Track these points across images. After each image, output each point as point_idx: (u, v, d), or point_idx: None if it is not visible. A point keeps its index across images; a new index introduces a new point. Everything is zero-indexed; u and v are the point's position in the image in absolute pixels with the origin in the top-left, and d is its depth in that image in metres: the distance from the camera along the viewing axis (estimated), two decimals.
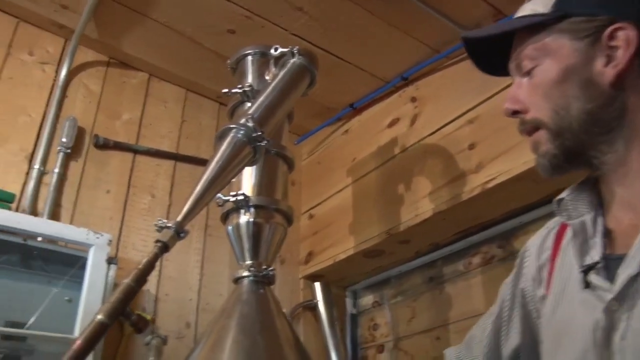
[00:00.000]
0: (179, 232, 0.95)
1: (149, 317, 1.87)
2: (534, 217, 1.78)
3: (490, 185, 1.64)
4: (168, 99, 2.27)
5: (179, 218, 0.96)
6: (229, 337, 1.19)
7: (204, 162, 2.19)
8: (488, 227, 1.88)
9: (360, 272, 2.21)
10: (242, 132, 1.11)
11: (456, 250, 2.01)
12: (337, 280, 2.29)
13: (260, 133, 1.11)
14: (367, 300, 2.35)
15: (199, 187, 1.02)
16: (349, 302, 2.39)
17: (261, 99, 1.23)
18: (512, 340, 0.98)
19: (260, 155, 1.14)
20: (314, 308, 2.22)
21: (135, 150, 2.09)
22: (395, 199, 1.96)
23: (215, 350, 1.17)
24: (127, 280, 0.88)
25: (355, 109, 2.28)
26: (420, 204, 1.86)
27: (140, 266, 0.90)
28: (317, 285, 2.20)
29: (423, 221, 1.84)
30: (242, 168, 1.14)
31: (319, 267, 2.21)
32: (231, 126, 1.13)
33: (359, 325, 2.35)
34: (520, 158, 1.57)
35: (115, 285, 1.72)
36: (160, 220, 0.97)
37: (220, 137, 1.16)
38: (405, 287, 2.19)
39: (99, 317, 0.84)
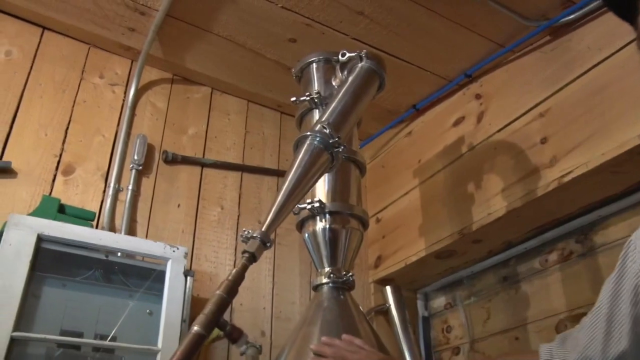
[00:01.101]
0: (265, 241, 0.95)
1: None
2: (615, 210, 1.71)
3: (567, 179, 1.59)
4: (230, 111, 2.31)
5: (264, 228, 0.97)
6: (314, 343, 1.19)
7: (269, 172, 2.23)
8: (564, 222, 1.81)
9: (432, 273, 2.18)
10: (318, 139, 1.11)
11: (530, 247, 1.96)
12: (407, 283, 2.27)
13: (337, 139, 1.11)
14: (439, 302, 2.32)
15: (280, 197, 1.02)
16: (420, 304, 2.36)
17: (334, 104, 1.23)
18: (620, 343, 0.88)
19: (337, 161, 1.14)
20: (386, 312, 2.20)
21: (202, 164, 2.13)
22: (465, 198, 1.92)
23: (300, 357, 1.17)
24: (219, 292, 0.89)
25: (418, 110, 2.26)
26: (493, 202, 1.82)
27: (230, 277, 0.92)
28: (388, 289, 2.17)
29: (496, 219, 1.80)
30: (321, 175, 1.14)
31: (389, 270, 2.19)
32: (307, 134, 1.13)
33: (431, 328, 2.32)
34: (597, 149, 1.51)
35: (193, 297, 1.76)
36: (245, 231, 0.99)
37: (297, 145, 1.17)
38: (478, 288, 2.14)
39: (196, 328, 0.85)
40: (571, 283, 1.81)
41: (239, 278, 0.91)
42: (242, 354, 0.88)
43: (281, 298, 2.07)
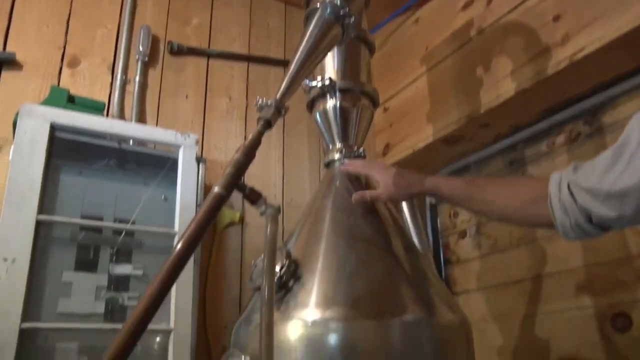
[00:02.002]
0: (280, 108, 0.97)
1: (238, 213, 1.97)
2: (625, 88, 1.70)
3: (579, 56, 1.57)
4: (234, 1, 2.25)
5: (278, 96, 0.98)
6: (327, 215, 1.24)
7: (277, 63, 2.21)
8: (573, 103, 1.81)
9: (440, 160, 2.21)
10: (328, 9, 1.10)
11: (538, 131, 1.97)
12: (415, 170, 2.29)
13: (347, 9, 1.09)
14: None
15: (293, 66, 1.03)
16: None
17: None
18: (632, 178, 0.84)
19: (348, 33, 1.13)
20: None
21: (208, 55, 2.11)
22: (474, 82, 1.91)
23: (316, 227, 1.22)
24: (237, 156, 0.92)
25: None
26: (502, 84, 1.81)
27: (246, 142, 0.93)
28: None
29: (505, 102, 1.80)
30: (332, 46, 1.13)
31: (397, 157, 2.22)
32: (317, 6, 1.11)
33: (439, 214, 2.38)
34: (612, 24, 1.48)
35: (205, 185, 1.80)
36: (259, 99, 0.99)
37: (307, 18, 1.15)
38: (485, 173, 2.18)
39: (216, 189, 0.88)
40: None
41: (256, 142, 0.93)
42: (261, 214, 0.92)
43: (291, 186, 2.12)
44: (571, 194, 0.94)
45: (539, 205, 1.00)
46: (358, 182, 1.33)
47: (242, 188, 0.92)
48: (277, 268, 1.09)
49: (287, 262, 1.10)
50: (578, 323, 1.71)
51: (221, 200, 0.88)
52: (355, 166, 1.32)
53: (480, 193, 1.13)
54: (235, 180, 0.90)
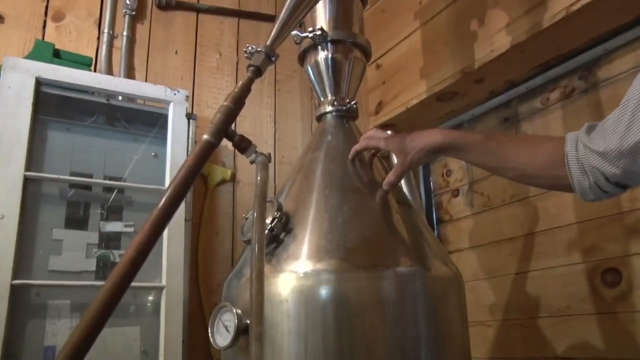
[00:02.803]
0: (270, 55, 0.94)
1: (229, 171, 1.95)
2: (622, 42, 1.67)
3: (576, 7, 1.53)
4: None
5: (268, 42, 0.95)
6: (319, 167, 1.22)
7: (267, 18, 2.16)
8: (569, 58, 1.78)
9: (433, 117, 2.19)
10: None
11: (533, 87, 1.94)
12: (408, 129, 2.28)
13: None
14: None
15: (283, 12, 1.00)
16: None
17: None
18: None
19: None
20: (387, 157, 2.23)
21: (197, 9, 2.06)
22: (468, 37, 1.88)
23: (307, 179, 1.20)
24: (225, 103, 0.89)
25: None
26: (496, 38, 1.77)
27: (236, 89, 0.91)
28: (389, 133, 2.19)
29: (499, 56, 1.76)
30: None
31: (390, 115, 2.20)
32: None
33: (431, 173, 2.37)
34: None
35: (196, 142, 1.77)
36: (249, 46, 0.97)
37: None
38: (479, 130, 2.16)
39: (205, 136, 0.86)
40: (572, 120, 1.81)
41: (245, 89, 0.91)
42: (252, 162, 0.90)
43: (283, 143, 2.10)
44: (589, 153, 0.92)
45: (558, 167, 0.97)
46: (351, 134, 1.31)
47: (231, 136, 0.90)
48: (268, 221, 1.08)
49: (278, 214, 1.09)
50: (568, 279, 1.72)
51: (210, 147, 0.86)
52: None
53: (499, 150, 1.06)
54: (225, 128, 0.88)
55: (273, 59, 0.95)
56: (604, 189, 0.93)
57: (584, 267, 1.69)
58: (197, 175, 0.83)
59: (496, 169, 1.10)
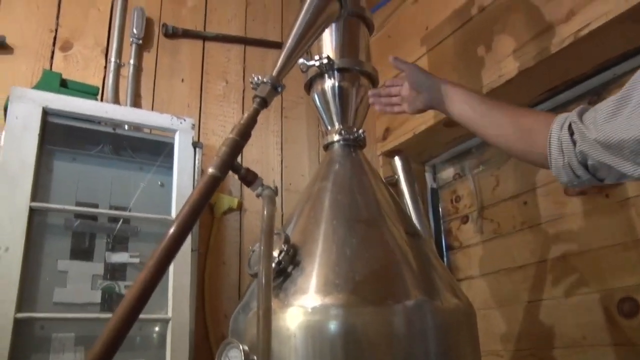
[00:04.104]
0: (276, 86, 0.93)
1: (236, 199, 1.94)
2: (631, 66, 1.65)
3: (584, 32, 1.52)
4: None
5: (274, 73, 0.94)
6: (327, 198, 1.20)
7: (273, 45, 2.17)
8: (578, 82, 1.77)
9: (441, 143, 2.17)
10: None
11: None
12: (416, 155, 2.27)
13: None
14: (448, 173, 2.33)
15: (289, 42, 0.99)
16: (428, 176, 2.38)
17: None
18: None
19: (346, 8, 1.08)
20: (395, 184, 2.21)
21: (204, 37, 2.07)
22: (475, 62, 1.87)
23: (315, 210, 1.18)
24: (231, 135, 0.88)
25: None
26: (504, 63, 1.76)
27: (242, 121, 0.90)
28: (397, 159, 2.15)
29: (507, 82, 1.75)
30: (330, 22, 1.09)
31: (398, 141, 2.19)
32: None
33: (440, 199, 2.35)
34: None
35: (203, 171, 1.76)
36: (255, 76, 0.95)
37: None
38: (487, 156, 2.14)
39: (211, 170, 0.84)
40: None
41: (251, 122, 0.89)
42: (258, 195, 0.88)
43: (290, 170, 2.09)
44: (571, 135, 0.94)
45: (539, 136, 1.01)
46: (359, 164, 1.29)
47: (237, 169, 0.88)
48: (276, 254, 1.06)
49: (285, 247, 1.06)
50: (583, 308, 1.68)
51: (216, 181, 0.84)
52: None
53: (490, 113, 1.15)
54: (231, 161, 0.86)
55: (279, 89, 0.94)
56: (576, 172, 0.95)
57: (599, 296, 1.65)
58: (202, 210, 0.81)
59: (483, 134, 1.19)
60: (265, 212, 0.86)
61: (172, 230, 0.77)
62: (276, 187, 0.87)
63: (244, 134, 0.88)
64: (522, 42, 1.71)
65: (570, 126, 0.94)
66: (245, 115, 0.90)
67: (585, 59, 1.65)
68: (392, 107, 1.44)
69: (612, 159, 0.86)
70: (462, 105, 1.23)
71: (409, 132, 2.12)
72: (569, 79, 1.76)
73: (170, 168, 1.69)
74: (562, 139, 0.95)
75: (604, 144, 0.86)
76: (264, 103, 0.92)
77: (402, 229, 1.21)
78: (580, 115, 0.94)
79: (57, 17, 1.82)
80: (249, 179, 0.89)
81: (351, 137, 1.30)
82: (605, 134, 0.85)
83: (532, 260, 1.89)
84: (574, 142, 0.93)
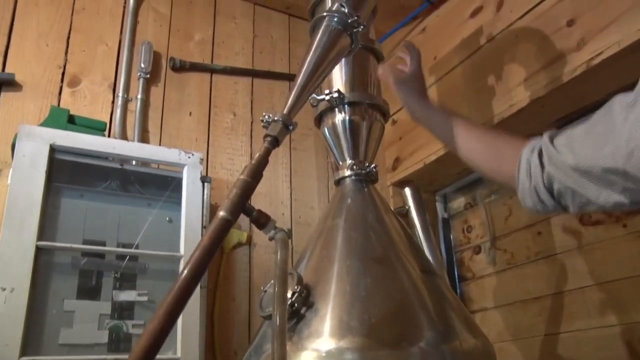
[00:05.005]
0: (287, 124, 0.90)
1: (245, 233, 1.91)
2: None
3: (596, 61, 1.50)
4: (237, 14, 2.21)
5: (285, 111, 0.92)
6: (339, 236, 1.17)
7: (281, 77, 2.16)
8: (591, 110, 1.73)
9: (451, 173, 2.14)
10: (336, 19, 1.04)
11: None
12: (426, 185, 2.24)
13: (355, 18, 1.03)
14: (459, 203, 2.30)
15: (300, 79, 0.97)
16: (439, 206, 2.34)
17: None
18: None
19: (357, 43, 1.07)
20: (405, 214, 2.18)
21: (212, 70, 2.06)
22: (485, 92, 1.85)
23: (328, 249, 1.15)
24: (242, 176, 0.85)
25: (433, 4, 2.15)
26: (515, 92, 1.75)
27: (253, 161, 0.87)
28: (407, 190, 2.13)
29: (518, 111, 1.73)
30: (341, 58, 1.07)
31: (408, 172, 2.16)
32: (324, 14, 1.05)
33: (451, 229, 2.31)
34: (632, 25, 1.41)
35: (211, 205, 1.74)
36: (266, 114, 0.94)
37: (314, 29, 1.09)
38: (498, 185, 2.10)
39: (222, 213, 0.82)
40: None
41: (262, 162, 0.87)
42: (270, 239, 0.85)
43: (300, 203, 2.06)
44: (540, 158, 0.94)
45: (510, 158, 1.01)
46: (371, 199, 1.27)
47: (249, 211, 0.86)
48: (288, 295, 1.02)
49: (298, 287, 1.03)
50: (604, 342, 1.63)
51: (227, 226, 0.82)
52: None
53: (462, 137, 1.17)
54: (242, 203, 0.84)
55: (291, 127, 0.91)
56: (540, 196, 0.94)
57: (620, 330, 1.60)
58: (213, 256, 0.78)
59: (450, 147, 1.22)
60: (278, 257, 0.83)
61: (182, 277, 0.74)
62: (289, 230, 0.84)
63: (256, 174, 0.86)
64: (533, 71, 1.70)
65: (540, 149, 0.95)
66: (257, 155, 0.88)
67: (597, 88, 1.63)
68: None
69: (578, 182, 0.86)
70: (437, 113, 1.28)
71: (419, 162, 2.10)
72: (581, 107, 1.73)
73: (178, 203, 1.67)
74: (531, 161, 0.96)
75: (573, 167, 0.86)
76: (275, 142, 0.89)
77: (416, 266, 1.18)
78: (552, 138, 0.94)
79: (66, 53, 1.82)
80: (262, 221, 0.86)
81: (363, 172, 1.27)
82: (576, 158, 0.85)
83: (548, 291, 1.84)
84: (542, 165, 0.93)
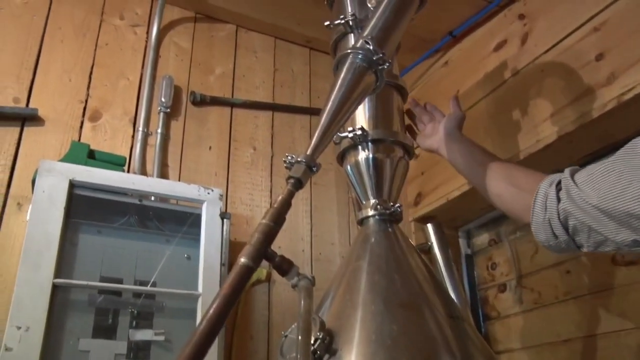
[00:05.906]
0: (311, 166, 0.87)
1: (264, 270, 1.87)
2: None
3: (627, 97, 1.46)
4: (257, 48, 2.21)
5: (309, 151, 0.89)
6: (363, 279, 1.13)
7: (301, 110, 2.14)
8: (621, 145, 1.68)
9: (475, 209, 2.09)
10: (360, 56, 1.01)
11: None
12: (448, 221, 2.18)
13: (381, 55, 1.01)
14: (482, 239, 2.24)
15: (324, 119, 0.94)
16: (462, 242, 2.29)
17: (374, 21, 1.11)
18: None
19: (382, 80, 1.04)
20: (428, 250, 2.13)
21: (232, 104, 2.06)
22: (511, 127, 1.81)
23: (351, 292, 1.11)
24: (265, 221, 0.82)
25: (455, 37, 2.13)
26: (541, 128, 1.70)
27: (276, 205, 0.84)
28: (430, 226, 2.09)
29: (546, 147, 1.69)
30: (366, 95, 1.04)
31: (430, 207, 2.11)
32: (348, 51, 1.03)
33: (475, 266, 2.24)
34: None
35: (231, 241, 1.71)
36: (288, 155, 0.91)
37: (338, 66, 1.07)
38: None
39: (243, 260, 0.79)
40: None
41: (285, 205, 0.83)
42: (294, 286, 0.81)
43: (320, 239, 2.02)
44: (557, 191, 0.95)
45: (528, 192, 1.02)
46: (396, 240, 1.22)
47: (271, 257, 0.82)
48: (311, 341, 0.98)
49: (321, 334, 0.99)
50: None
51: (249, 273, 0.78)
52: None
53: (482, 173, 1.20)
54: (264, 249, 0.81)
55: (314, 169, 0.88)
56: (554, 230, 0.94)
57: None
58: (233, 307, 0.74)
59: (474, 184, 1.28)
60: (302, 307, 0.79)
61: (200, 330, 0.70)
62: (313, 277, 0.80)
63: (278, 219, 0.82)
64: (560, 106, 1.66)
65: (559, 183, 0.95)
66: (279, 198, 0.84)
67: (628, 123, 1.58)
68: (414, 126, 1.55)
69: (596, 220, 0.85)
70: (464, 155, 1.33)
71: (442, 198, 2.05)
72: (611, 143, 1.68)
73: (197, 239, 1.64)
74: (548, 194, 0.96)
75: (594, 205, 0.84)
76: (298, 184, 0.86)
77: (443, 311, 1.12)
78: (573, 173, 0.94)
79: (88, 88, 1.82)
80: (284, 267, 0.83)
81: (387, 211, 1.23)
82: (598, 197, 0.84)
83: (578, 334, 1.77)
84: (559, 199, 0.92)
